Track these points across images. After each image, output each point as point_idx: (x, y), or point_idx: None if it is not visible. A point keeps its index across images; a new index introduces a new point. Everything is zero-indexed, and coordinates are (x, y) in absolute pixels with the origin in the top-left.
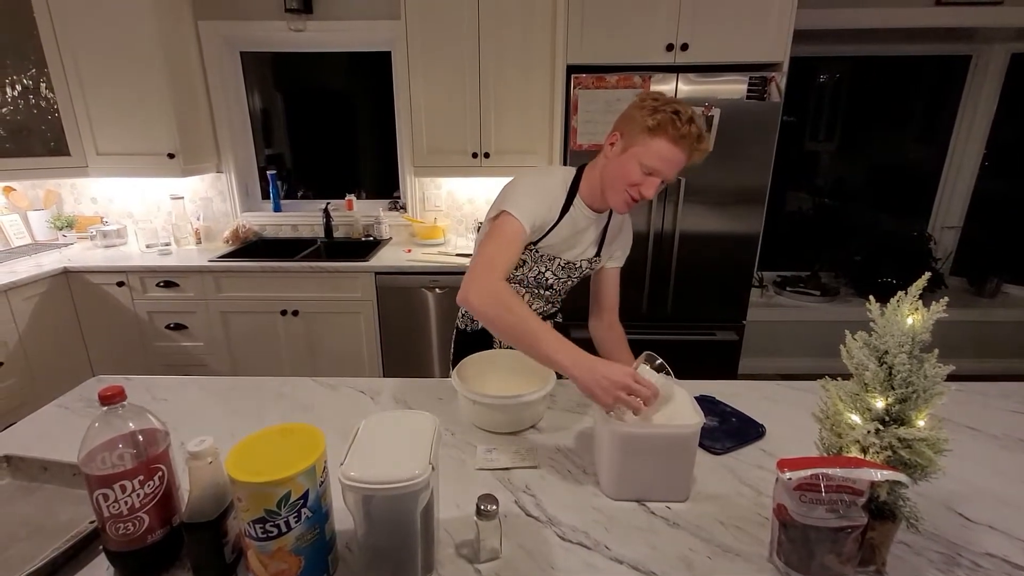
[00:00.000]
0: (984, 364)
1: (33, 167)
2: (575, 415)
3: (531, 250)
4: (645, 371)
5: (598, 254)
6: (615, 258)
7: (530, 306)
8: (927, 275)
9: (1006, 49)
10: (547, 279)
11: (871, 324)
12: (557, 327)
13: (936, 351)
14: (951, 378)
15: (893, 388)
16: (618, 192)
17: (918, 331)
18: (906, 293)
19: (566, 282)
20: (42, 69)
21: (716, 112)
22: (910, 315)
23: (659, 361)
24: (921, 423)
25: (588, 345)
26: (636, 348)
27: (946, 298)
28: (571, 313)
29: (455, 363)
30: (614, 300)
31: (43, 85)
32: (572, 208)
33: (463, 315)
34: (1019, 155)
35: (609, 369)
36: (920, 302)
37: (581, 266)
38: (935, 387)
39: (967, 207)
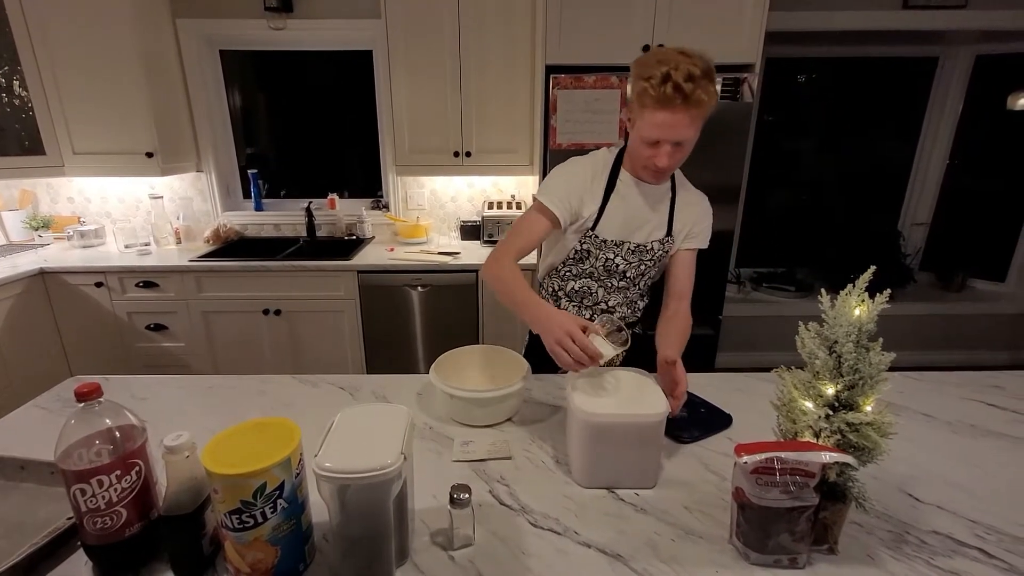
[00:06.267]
0: (954, 356)
1: (7, 167)
2: (550, 408)
3: (591, 237)
4: (597, 340)
5: (669, 233)
6: (691, 236)
7: (607, 303)
8: (872, 268)
9: (971, 51)
10: (617, 265)
11: (822, 315)
12: (635, 337)
13: (881, 340)
14: (920, 369)
15: (842, 375)
16: (640, 167)
17: (864, 321)
18: (854, 286)
19: (639, 267)
20: (15, 66)
21: None
22: (857, 307)
23: (623, 333)
24: (868, 408)
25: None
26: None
27: (888, 290)
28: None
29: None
30: (683, 286)
31: (16, 83)
32: (619, 183)
33: None
34: (984, 154)
35: (559, 322)
36: (867, 294)
37: (653, 247)
38: (880, 374)
39: (935, 204)
